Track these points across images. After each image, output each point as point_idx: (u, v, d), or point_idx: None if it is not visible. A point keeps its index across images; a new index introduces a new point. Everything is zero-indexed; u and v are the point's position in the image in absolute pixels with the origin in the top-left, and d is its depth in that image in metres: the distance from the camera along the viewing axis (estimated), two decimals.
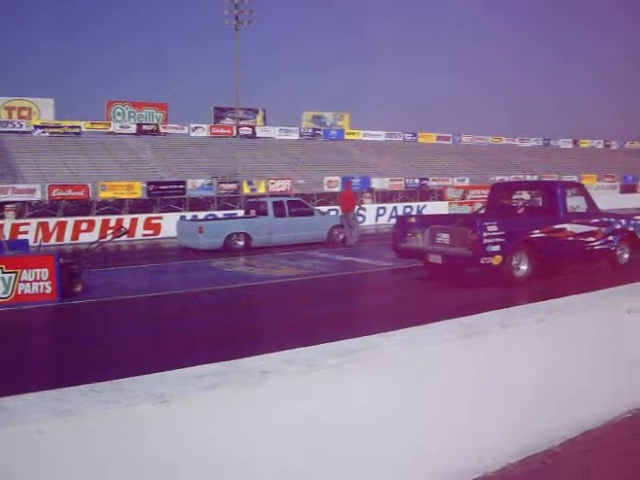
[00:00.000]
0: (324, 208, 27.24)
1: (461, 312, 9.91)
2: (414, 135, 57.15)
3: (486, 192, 40.24)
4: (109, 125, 44.87)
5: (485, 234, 11.40)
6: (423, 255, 12.71)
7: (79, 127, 42.92)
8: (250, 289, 12.86)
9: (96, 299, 11.76)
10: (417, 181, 42.89)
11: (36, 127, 41.58)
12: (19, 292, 11.20)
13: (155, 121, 47.06)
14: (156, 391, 3.02)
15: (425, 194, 42.10)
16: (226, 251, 19.10)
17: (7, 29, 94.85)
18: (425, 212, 32.79)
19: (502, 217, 12.70)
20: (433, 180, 43.60)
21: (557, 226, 12.58)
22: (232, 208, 33.99)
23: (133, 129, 45.02)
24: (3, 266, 11.16)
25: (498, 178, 46.20)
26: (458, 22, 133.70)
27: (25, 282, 11.22)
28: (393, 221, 32.61)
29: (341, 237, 20.89)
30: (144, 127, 45.48)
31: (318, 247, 19.58)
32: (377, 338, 4.00)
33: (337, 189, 38.31)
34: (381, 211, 33.02)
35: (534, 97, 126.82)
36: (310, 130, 52.93)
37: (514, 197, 14.10)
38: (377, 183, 40.96)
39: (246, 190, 36.50)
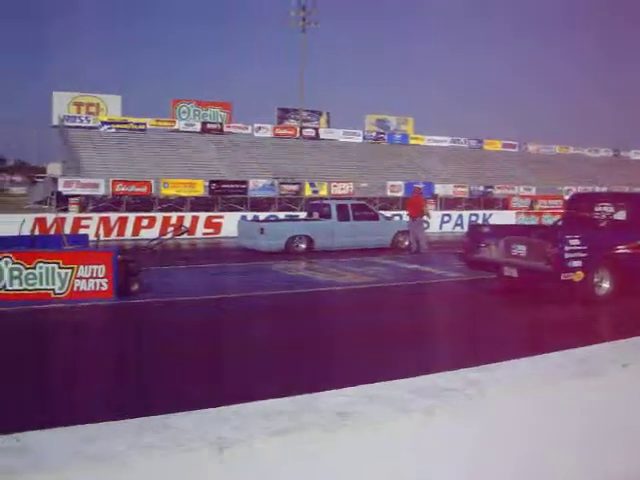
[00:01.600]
0: (387, 213, 26.53)
1: (550, 334, 9.39)
2: (479, 142, 56.03)
3: (554, 202, 40.14)
4: (174, 123, 44.95)
5: (567, 248, 10.61)
6: (497, 267, 11.95)
7: (145, 124, 43.10)
8: (314, 295, 12.33)
9: (152, 299, 11.36)
10: (481, 189, 41.84)
11: (103, 123, 41.86)
12: (75, 289, 10.84)
13: (219, 120, 47.01)
14: (212, 434, 2.44)
15: (489, 202, 41.12)
16: (287, 253, 18.60)
17: (79, 27, 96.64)
18: (491, 221, 31.86)
19: (584, 230, 11.85)
20: (498, 188, 42.47)
21: None
22: (293, 209, 33.63)
23: (197, 127, 45.03)
24: (60, 261, 10.82)
25: (566, 188, 44.86)
26: (525, 25, 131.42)
27: (81, 278, 10.86)
28: (458, 229, 32.21)
29: (406, 244, 20.15)
30: (208, 126, 45.44)
31: (381, 253, 18.92)
32: (475, 373, 3.35)
33: (400, 194, 37.66)
34: (446, 218, 32.14)
35: (604, 106, 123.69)
36: (374, 134, 52.25)
37: (595, 209, 13.21)
38: (441, 189, 40.11)
39: (308, 192, 36.09)
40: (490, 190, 41.71)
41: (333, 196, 34.94)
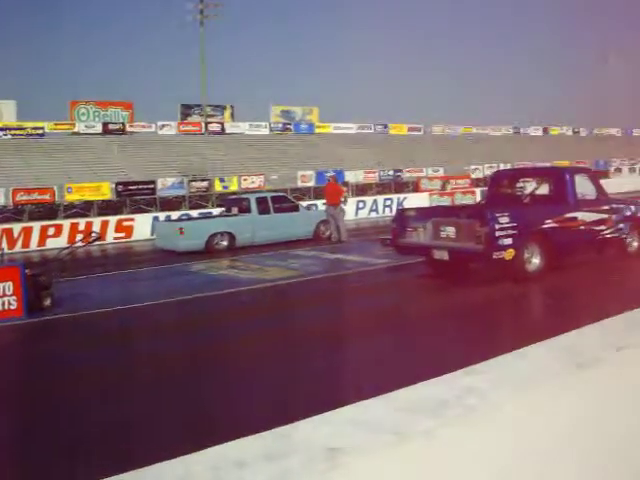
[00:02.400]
0: (302, 203, 26.11)
1: (488, 315, 9.18)
2: (385, 126, 56.39)
3: (461, 182, 40.66)
4: (74, 125, 43.31)
5: (497, 226, 10.40)
6: (426, 251, 11.66)
7: (42, 128, 41.34)
8: (239, 295, 11.73)
9: (68, 314, 10.51)
10: (391, 173, 41.93)
11: None
12: None
13: (121, 120, 45.59)
14: None
15: (400, 186, 41.29)
16: (208, 252, 18.02)
17: None
18: (406, 204, 31.87)
19: (511, 208, 11.70)
20: (407, 171, 42.68)
21: (568, 215, 11.64)
22: (204, 207, 32.94)
23: (99, 129, 43.52)
24: None
25: (472, 167, 45.63)
26: (425, 12, 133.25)
27: None
28: (373, 214, 32.17)
29: (327, 233, 19.78)
30: (110, 126, 43.98)
31: (304, 245, 18.53)
32: (467, 377, 2.92)
33: (311, 184, 37.33)
34: (361, 204, 32.01)
35: (502, 86, 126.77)
36: (280, 124, 51.79)
37: (517, 185, 13.11)
38: (351, 176, 39.94)
39: (218, 188, 35.36)
40: (399, 174, 41.83)
41: (244, 190, 34.36)
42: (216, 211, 27.93)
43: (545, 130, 66.69)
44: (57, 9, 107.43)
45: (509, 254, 10.54)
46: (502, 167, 46.33)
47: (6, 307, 10.01)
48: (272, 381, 6.60)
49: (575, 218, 11.72)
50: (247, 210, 19.60)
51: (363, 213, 30.97)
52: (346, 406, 2.70)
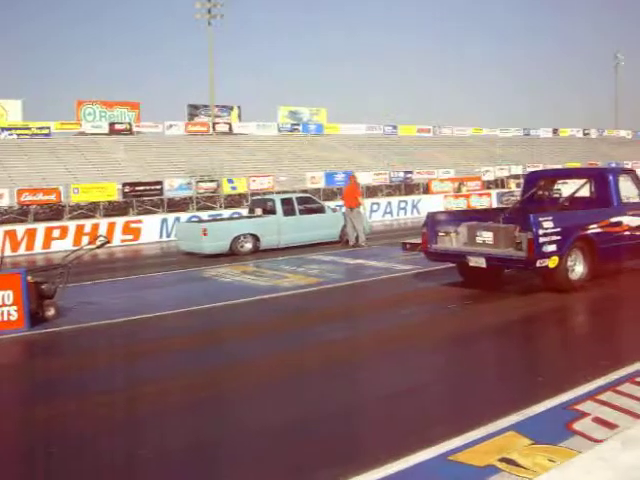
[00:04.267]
0: (330, 204, 25.09)
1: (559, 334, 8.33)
2: (394, 127, 55.69)
3: (472, 184, 39.75)
4: (80, 125, 42.59)
5: (541, 232, 9.54)
6: (461, 258, 10.79)
7: (48, 128, 40.61)
8: (256, 304, 10.88)
9: (70, 326, 9.64)
10: (402, 174, 41.04)
11: (3, 129, 39.17)
12: None
13: (128, 120, 44.85)
14: None
15: (410, 188, 40.45)
16: (232, 255, 17.43)
17: None
18: (421, 206, 31.05)
19: (555, 211, 10.85)
20: (417, 173, 41.76)
21: (613, 219, 10.77)
22: (212, 208, 32.17)
23: (105, 129, 42.78)
24: None
25: (483, 169, 44.80)
26: (437, 7, 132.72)
27: None
28: (387, 217, 31.32)
29: (345, 238, 18.97)
30: (117, 126, 43.25)
31: (325, 249, 17.87)
32: None
33: (320, 185, 36.49)
34: (375, 207, 31.14)
35: (513, 88, 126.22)
36: (288, 125, 51.03)
37: (554, 187, 12.25)
38: (361, 178, 39.06)
39: (226, 189, 34.50)
40: (410, 175, 40.94)
41: (253, 191, 33.60)
42: (226, 213, 27.21)
43: (555, 131, 66.06)
44: (65, 9, 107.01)
45: (553, 262, 9.69)
46: (513, 169, 45.78)
47: (5, 318, 9.16)
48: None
49: (620, 222, 10.85)
50: (272, 211, 18.86)
51: (377, 216, 30.08)
52: None
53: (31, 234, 23.03)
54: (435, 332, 8.61)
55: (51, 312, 9.92)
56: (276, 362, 7.40)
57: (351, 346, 7.92)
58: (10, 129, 39.43)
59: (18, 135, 39.30)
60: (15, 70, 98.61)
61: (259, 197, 22.80)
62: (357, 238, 18.24)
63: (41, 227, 23.80)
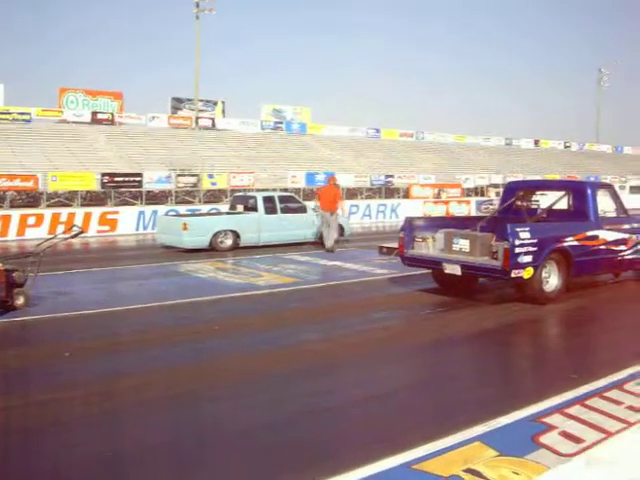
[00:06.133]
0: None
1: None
2: (377, 131, 55.89)
3: (453, 191, 39.87)
4: (61, 113, 42.25)
5: (517, 242, 9.55)
6: (437, 264, 10.77)
7: (29, 114, 40.33)
8: (227, 302, 10.80)
9: (43, 315, 9.51)
10: (382, 178, 41.04)
11: None
12: None
13: (110, 110, 44.55)
14: None
15: (390, 192, 40.49)
16: (211, 250, 17.41)
17: None
18: (400, 211, 31.09)
19: (533, 222, 10.89)
20: (399, 177, 41.79)
21: (590, 233, 10.81)
22: (191, 202, 32.00)
23: (87, 117, 42.52)
24: None
25: (464, 177, 44.97)
26: (422, 15, 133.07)
27: None
28: (366, 219, 31.34)
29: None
30: (99, 116, 42.99)
31: (301, 249, 17.84)
32: None
33: (300, 185, 36.41)
34: (353, 209, 31.14)
35: (498, 97, 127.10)
36: (272, 123, 50.97)
37: (533, 198, 12.27)
38: (342, 179, 38.96)
39: (206, 184, 34.32)
40: (390, 179, 40.95)
41: (232, 188, 33.46)
42: (204, 208, 27.06)
43: (536, 142, 66.65)
44: None
45: (528, 272, 9.70)
46: (494, 178, 46.01)
47: None
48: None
49: (596, 236, 10.90)
50: (253, 209, 18.83)
51: (355, 218, 30.07)
52: None
53: (5, 220, 22.77)
54: (406, 338, 8.56)
55: (21, 301, 9.76)
56: (240, 361, 7.32)
57: (319, 349, 7.84)
58: None
59: None
60: None
61: (241, 194, 22.71)
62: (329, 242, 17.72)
63: (16, 214, 23.53)
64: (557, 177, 48.32)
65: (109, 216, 25.09)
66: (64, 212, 24.52)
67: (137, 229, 25.28)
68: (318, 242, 18.74)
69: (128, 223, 25.17)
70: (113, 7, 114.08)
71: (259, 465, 4.72)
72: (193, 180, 34.24)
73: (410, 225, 11.31)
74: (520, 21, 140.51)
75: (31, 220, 23.23)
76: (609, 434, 4.93)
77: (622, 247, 11.47)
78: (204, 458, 4.77)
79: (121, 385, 6.49)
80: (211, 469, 4.66)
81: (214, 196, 35.43)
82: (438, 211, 32.79)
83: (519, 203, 12.12)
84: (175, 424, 5.57)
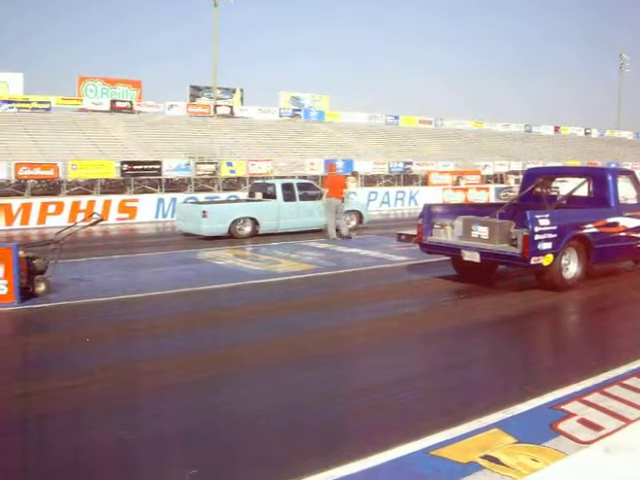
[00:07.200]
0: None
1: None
2: (396, 117, 55.56)
3: (472, 178, 39.65)
4: (81, 101, 42.40)
5: (537, 229, 9.50)
6: (455, 251, 10.74)
7: (49, 102, 40.44)
8: (246, 289, 10.83)
9: (61, 302, 9.59)
10: (401, 165, 40.87)
11: (3, 102, 38.95)
12: None
13: (129, 98, 44.67)
14: None
15: (409, 179, 40.35)
16: (230, 238, 17.47)
17: None
18: (419, 198, 30.96)
19: (552, 209, 10.81)
20: (417, 164, 41.60)
21: (610, 220, 10.73)
22: (210, 190, 32.07)
23: (106, 106, 42.61)
24: None
25: (483, 164, 44.64)
26: (441, 6, 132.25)
27: None
28: (385, 207, 31.24)
29: (353, 224, 19.16)
30: (118, 104, 43.09)
31: (312, 236, 17.81)
32: None
33: (319, 172, 36.35)
34: (372, 196, 31.02)
35: (516, 84, 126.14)
36: (290, 110, 50.86)
37: (553, 185, 12.18)
38: (360, 166, 38.93)
39: (225, 172, 34.37)
40: (409, 166, 40.78)
41: (251, 175, 33.51)
42: (223, 196, 27.12)
43: (556, 129, 65.97)
44: None
45: (547, 260, 9.65)
46: (513, 165, 45.70)
47: None
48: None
49: (617, 223, 10.82)
50: (272, 196, 18.86)
51: (374, 205, 29.92)
52: None
53: (27, 208, 22.92)
54: (426, 325, 8.58)
55: (42, 288, 9.87)
56: (259, 347, 7.37)
57: (338, 335, 7.87)
58: (10, 102, 39.24)
59: (18, 109, 39.17)
60: (18, 43, 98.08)
61: (260, 181, 22.74)
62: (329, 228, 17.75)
63: (37, 202, 23.66)
64: (577, 164, 47.99)
65: (128, 204, 25.18)
66: (84, 200, 24.64)
67: (156, 217, 25.34)
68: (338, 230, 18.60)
69: (147, 211, 25.23)
70: None
71: (279, 449, 4.76)
72: (212, 168, 34.30)
73: (429, 212, 11.28)
74: (541, 6, 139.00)
75: (51, 208, 23.37)
76: (628, 421, 4.91)
77: None
78: (223, 441, 4.82)
79: (141, 370, 6.55)
80: (229, 451, 4.71)
81: (233, 184, 35.49)
82: (457, 198, 32.62)
83: (539, 190, 12.01)
84: (197, 409, 5.62)
